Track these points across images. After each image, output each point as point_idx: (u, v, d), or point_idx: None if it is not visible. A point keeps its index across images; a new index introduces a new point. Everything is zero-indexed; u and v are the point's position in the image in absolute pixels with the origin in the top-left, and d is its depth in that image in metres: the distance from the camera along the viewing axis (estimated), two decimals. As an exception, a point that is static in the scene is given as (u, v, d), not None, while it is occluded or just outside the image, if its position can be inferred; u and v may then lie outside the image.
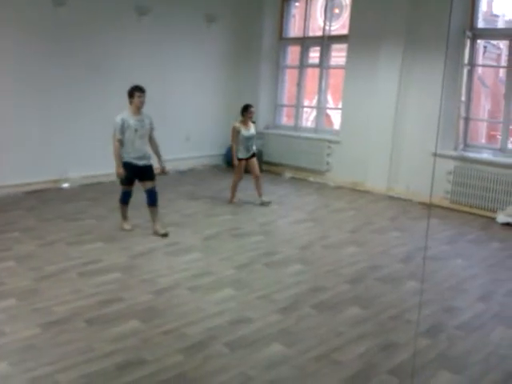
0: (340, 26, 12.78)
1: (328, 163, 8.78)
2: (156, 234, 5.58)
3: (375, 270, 4.89)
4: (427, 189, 7.15)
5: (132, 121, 5.34)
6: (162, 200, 7.03)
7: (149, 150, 5.55)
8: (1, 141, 6.90)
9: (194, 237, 5.64)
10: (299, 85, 9.55)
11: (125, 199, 5.62)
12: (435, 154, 6.87)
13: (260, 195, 7.12)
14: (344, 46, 8.60)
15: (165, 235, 5.55)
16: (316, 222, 6.45)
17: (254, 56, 9.63)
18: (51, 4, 7.08)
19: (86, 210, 6.35)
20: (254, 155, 7.03)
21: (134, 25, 8.08)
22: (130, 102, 5.39)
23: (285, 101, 10.07)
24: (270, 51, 9.66)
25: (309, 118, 11.76)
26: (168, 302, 4.04)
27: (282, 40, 9.70)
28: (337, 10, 12.98)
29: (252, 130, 6.96)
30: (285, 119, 10.14)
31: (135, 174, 5.46)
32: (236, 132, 6.84)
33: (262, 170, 9.07)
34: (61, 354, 3.23)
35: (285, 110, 10.14)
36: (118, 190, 5.67)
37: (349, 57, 8.43)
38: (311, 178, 8.91)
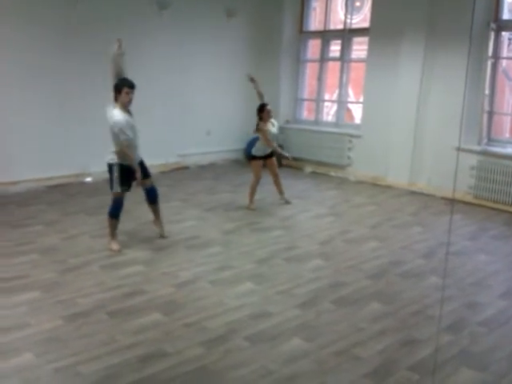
0: (361, 19, 12.66)
1: (349, 158, 8.73)
2: (159, 233, 5.40)
3: (396, 266, 4.85)
4: (450, 184, 7.04)
5: (130, 119, 4.79)
6: (182, 194, 7.14)
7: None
8: (24, 135, 7.02)
9: (214, 231, 5.67)
10: (320, 79, 9.49)
11: (119, 211, 4.98)
12: (458, 149, 6.78)
13: (281, 193, 6.93)
14: (365, 39, 8.51)
15: (165, 237, 5.37)
16: (337, 216, 6.43)
17: (275, 50, 9.58)
18: (70, -1, 7.15)
19: (109, 204, 6.40)
20: (272, 155, 6.69)
21: (155, 19, 8.11)
22: (116, 98, 4.72)
23: (305, 95, 10.01)
24: (290, 45, 9.61)
25: (330, 113, 11.70)
26: (189, 296, 4.07)
27: (303, 33, 9.64)
28: (358, 3, 12.85)
29: (272, 128, 6.54)
30: (305, 113, 10.09)
31: (132, 175, 4.90)
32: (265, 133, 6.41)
33: (281, 165, 9.13)
34: (83, 346, 3.28)
35: (305, 104, 10.09)
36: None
37: (370, 50, 8.34)
38: (332, 173, 8.86)
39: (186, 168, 8.86)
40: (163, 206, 5.89)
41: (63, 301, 3.88)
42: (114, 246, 5.00)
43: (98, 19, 7.45)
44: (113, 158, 4.87)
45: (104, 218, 5.15)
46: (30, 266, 4.50)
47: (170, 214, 6.03)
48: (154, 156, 8.22)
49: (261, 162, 6.63)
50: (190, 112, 8.81)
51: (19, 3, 6.77)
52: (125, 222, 5.73)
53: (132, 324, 3.59)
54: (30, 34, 6.90)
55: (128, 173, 4.85)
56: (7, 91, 6.85)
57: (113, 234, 5.05)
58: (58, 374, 2.99)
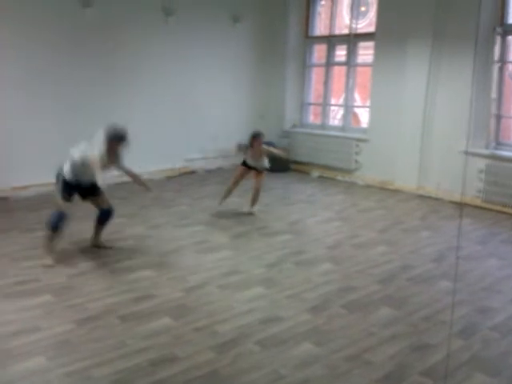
0: (366, 23, 12.67)
1: (356, 162, 8.71)
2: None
3: (406, 270, 4.83)
4: (458, 187, 7.04)
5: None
6: (189, 198, 7.14)
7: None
8: (34, 140, 7.04)
9: (222, 235, 5.67)
10: (326, 83, 9.49)
11: (62, 223, 4.73)
12: (466, 152, 6.76)
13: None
14: (371, 43, 8.52)
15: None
16: (345, 221, 6.41)
17: (280, 55, 9.61)
18: (79, 5, 7.18)
19: (116, 209, 6.39)
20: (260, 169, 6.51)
21: (161, 26, 8.14)
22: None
23: (312, 99, 10.02)
24: (296, 50, 9.62)
25: (336, 117, 11.70)
26: (198, 300, 4.06)
27: (308, 38, 9.65)
28: (363, 8, 12.87)
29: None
30: (312, 118, 10.10)
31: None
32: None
33: (289, 169, 9.19)
34: (95, 350, 3.28)
35: (312, 108, 10.09)
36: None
37: (376, 55, 8.34)
38: (339, 177, 8.85)
39: (193, 172, 8.88)
40: (170, 210, 5.91)
41: (74, 305, 3.89)
42: (48, 260, 4.65)
43: (105, 27, 7.50)
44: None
45: (111, 222, 5.16)
46: (40, 271, 4.50)
47: (177, 219, 6.04)
48: (160, 160, 8.31)
49: (243, 168, 6.51)
50: (196, 117, 8.83)
51: (25, 8, 6.80)
52: (131, 227, 5.76)
53: (142, 328, 3.59)
54: (35, 40, 6.93)
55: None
56: (18, 96, 6.88)
57: (50, 247, 4.69)
58: (69, 378, 2.99)
